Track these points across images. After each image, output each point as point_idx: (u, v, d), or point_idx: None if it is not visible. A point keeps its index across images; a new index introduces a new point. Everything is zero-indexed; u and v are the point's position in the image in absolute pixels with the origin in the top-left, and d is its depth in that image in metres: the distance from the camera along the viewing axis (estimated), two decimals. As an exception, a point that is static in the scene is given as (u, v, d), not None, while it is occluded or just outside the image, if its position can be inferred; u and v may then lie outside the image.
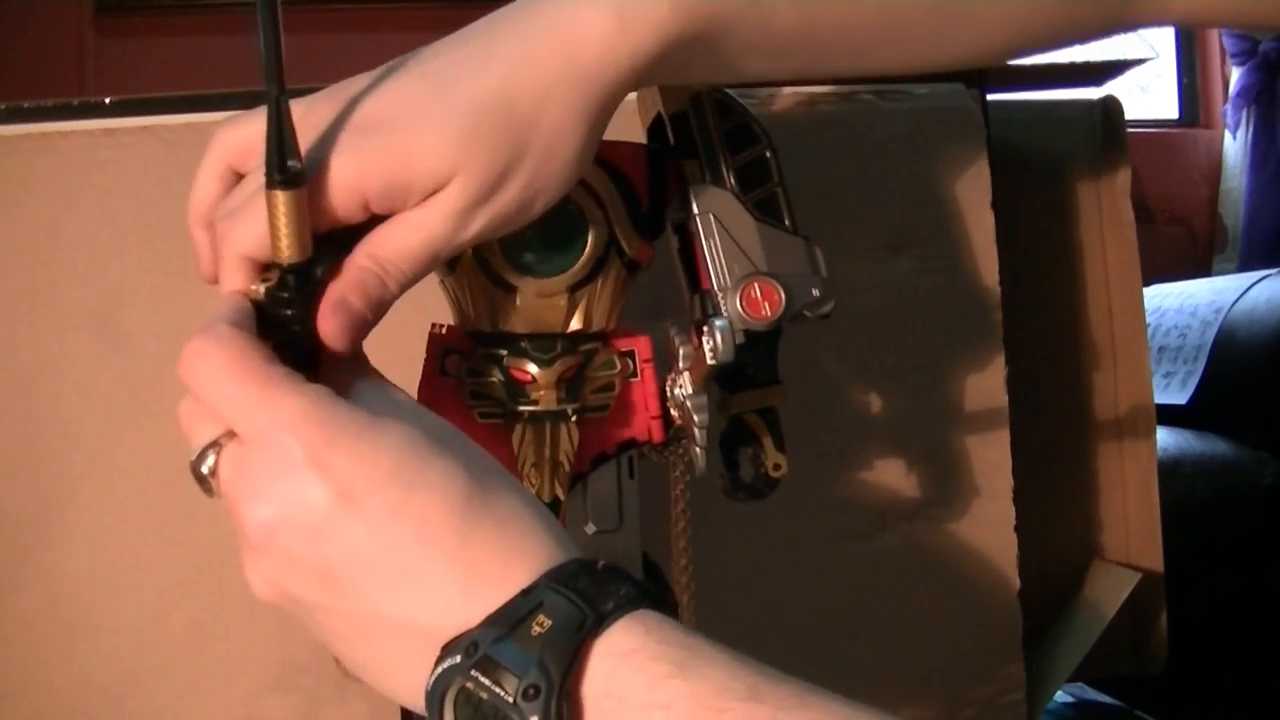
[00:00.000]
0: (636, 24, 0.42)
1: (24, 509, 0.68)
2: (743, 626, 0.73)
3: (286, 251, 0.40)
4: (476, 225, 0.43)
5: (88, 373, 0.68)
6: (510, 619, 0.37)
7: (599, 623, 0.36)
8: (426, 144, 0.41)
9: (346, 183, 0.41)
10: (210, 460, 0.40)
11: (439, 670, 0.37)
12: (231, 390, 0.39)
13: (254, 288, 0.42)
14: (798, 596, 0.74)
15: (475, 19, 0.52)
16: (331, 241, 0.45)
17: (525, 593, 0.37)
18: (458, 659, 0.36)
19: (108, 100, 0.70)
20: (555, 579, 0.38)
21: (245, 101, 0.68)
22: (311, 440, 0.38)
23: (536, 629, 0.36)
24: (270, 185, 0.39)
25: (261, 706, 0.68)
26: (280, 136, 0.39)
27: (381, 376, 0.43)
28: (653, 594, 0.39)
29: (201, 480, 0.40)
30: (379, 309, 0.43)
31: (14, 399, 0.68)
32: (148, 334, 0.68)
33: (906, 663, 0.75)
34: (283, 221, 0.40)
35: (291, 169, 0.39)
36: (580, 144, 0.43)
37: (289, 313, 0.41)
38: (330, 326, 0.42)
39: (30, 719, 0.68)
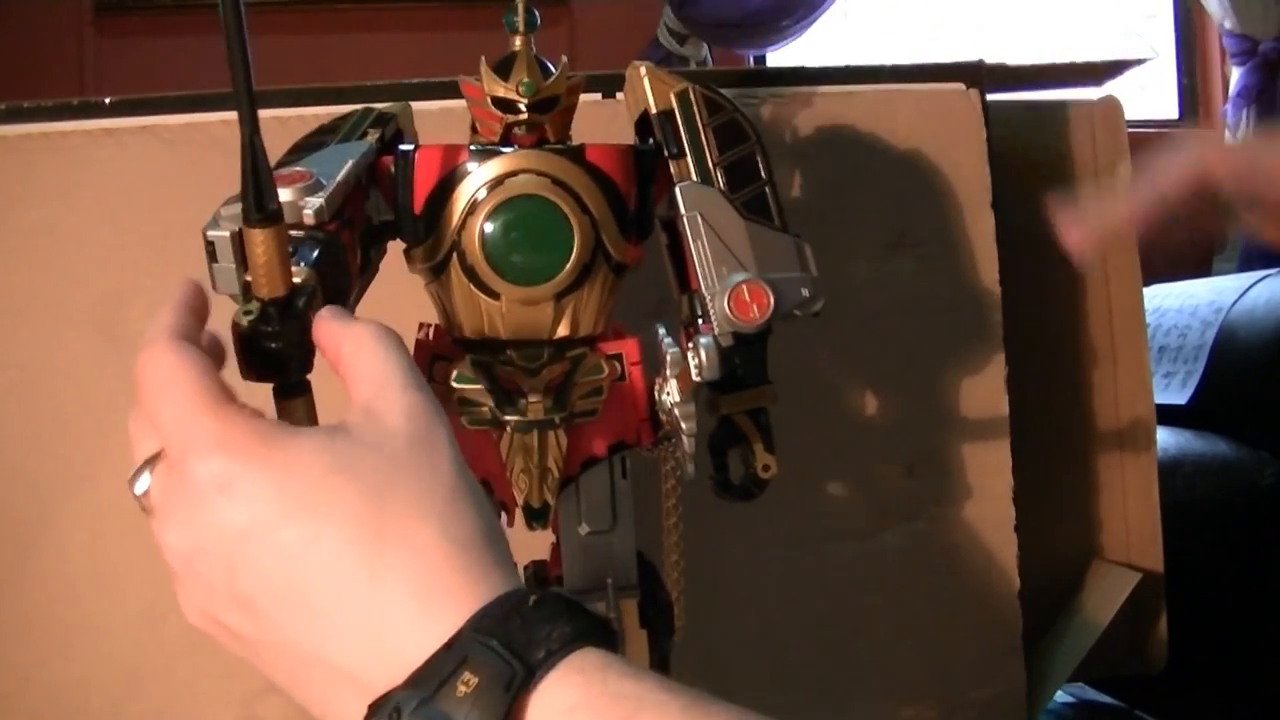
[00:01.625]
0: None
1: (24, 509, 0.68)
2: (741, 626, 0.73)
3: (267, 288, 0.41)
4: None
5: (88, 373, 0.68)
6: (434, 679, 0.35)
7: (530, 676, 0.34)
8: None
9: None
10: (144, 479, 0.40)
11: None
12: (164, 406, 0.39)
13: (236, 320, 0.42)
14: (797, 596, 0.73)
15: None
16: (340, 215, 0.45)
17: (449, 646, 0.35)
18: None
19: (108, 100, 0.70)
20: (480, 626, 0.35)
21: (245, 101, 0.68)
22: (220, 464, 0.37)
23: (463, 689, 0.34)
24: (249, 224, 0.40)
25: (260, 707, 0.68)
26: (257, 178, 0.39)
27: (374, 334, 0.41)
28: (592, 628, 0.36)
29: (138, 499, 0.40)
30: None
31: (14, 399, 0.68)
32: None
33: (906, 663, 0.75)
34: (262, 259, 0.40)
35: (269, 208, 0.40)
36: None
37: (273, 345, 0.42)
38: None
39: (30, 719, 0.68)
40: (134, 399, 0.40)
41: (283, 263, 0.41)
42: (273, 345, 0.42)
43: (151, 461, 0.40)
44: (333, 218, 0.45)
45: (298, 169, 0.46)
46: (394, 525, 0.37)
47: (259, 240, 0.40)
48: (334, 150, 0.49)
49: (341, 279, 0.46)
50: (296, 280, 0.42)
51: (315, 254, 0.44)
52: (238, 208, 0.41)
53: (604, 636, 0.37)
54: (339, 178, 0.46)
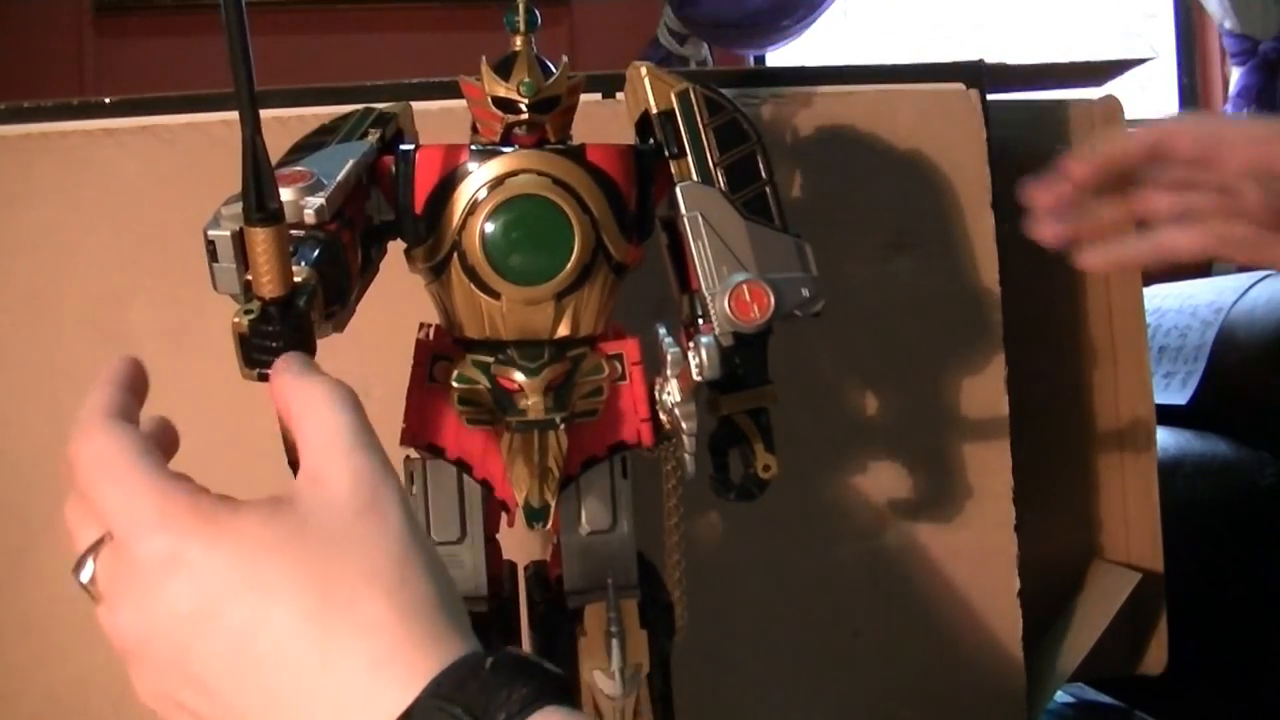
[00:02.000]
0: None
1: (24, 509, 0.68)
2: (741, 626, 0.73)
3: (268, 287, 0.41)
4: None
5: (88, 373, 0.67)
6: None
7: None
8: None
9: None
10: (88, 567, 0.39)
11: None
12: (103, 488, 0.38)
13: (237, 319, 0.42)
14: (797, 596, 0.73)
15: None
16: (341, 215, 0.45)
17: (406, 716, 0.34)
18: None
19: (108, 100, 0.70)
20: (437, 693, 0.35)
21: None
22: (166, 541, 0.37)
23: None
24: (249, 223, 0.40)
25: (261, 706, 0.68)
26: (258, 177, 0.39)
27: (326, 392, 0.40)
28: (553, 685, 0.36)
29: (84, 587, 0.40)
30: None
31: (14, 399, 0.68)
32: (148, 334, 0.68)
33: (906, 663, 0.75)
34: (262, 258, 0.40)
35: (270, 208, 0.40)
36: None
37: (273, 345, 0.42)
38: None
39: (30, 719, 0.68)
40: (70, 485, 0.39)
41: (283, 262, 0.41)
42: (273, 345, 0.42)
43: (95, 548, 0.39)
44: (333, 217, 0.45)
45: (298, 169, 0.46)
46: (342, 598, 0.36)
47: (260, 240, 0.40)
48: (334, 150, 0.49)
49: (342, 279, 0.46)
50: (297, 279, 0.42)
51: (316, 253, 0.44)
52: (238, 207, 0.41)
53: (562, 694, 0.36)
54: (339, 177, 0.46)
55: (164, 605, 0.37)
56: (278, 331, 0.42)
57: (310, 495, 0.38)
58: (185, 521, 0.37)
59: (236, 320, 0.42)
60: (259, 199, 0.39)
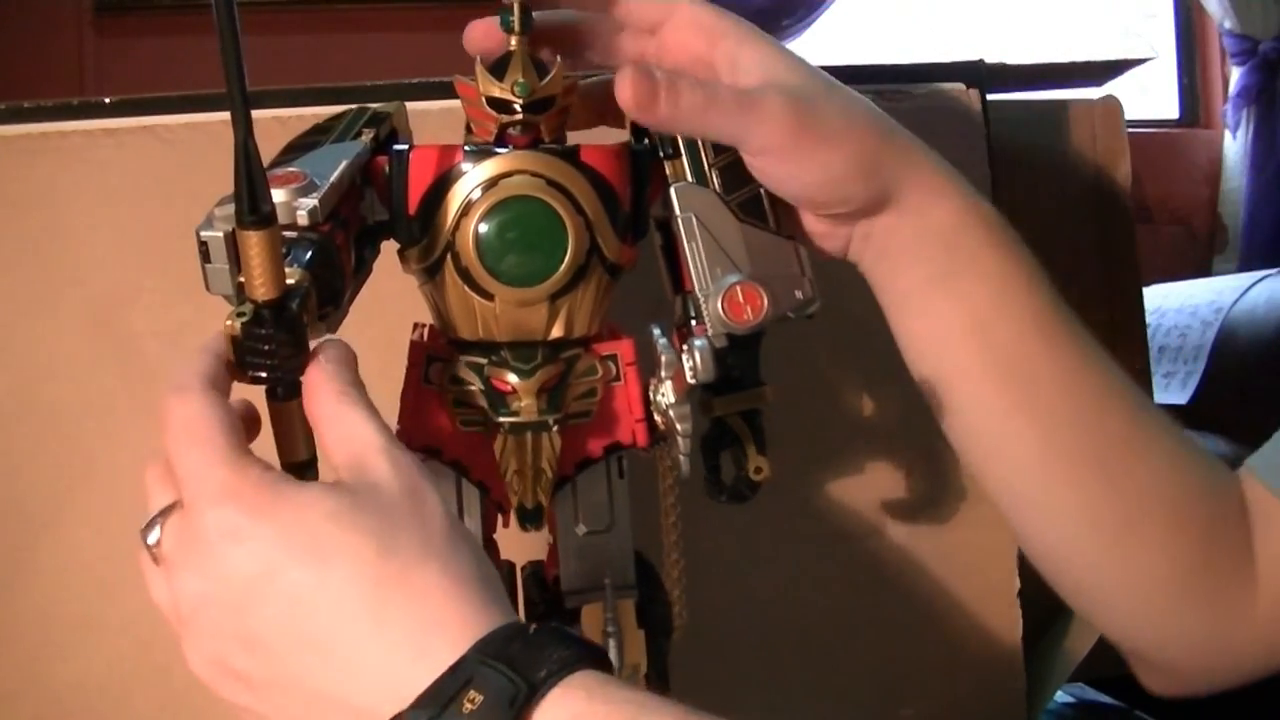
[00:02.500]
0: None
1: (24, 509, 0.68)
2: (740, 626, 0.73)
3: (261, 290, 0.41)
4: None
5: (88, 373, 0.68)
6: (440, 698, 0.36)
7: (533, 692, 0.36)
8: None
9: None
10: (156, 532, 0.41)
11: None
12: (185, 453, 0.41)
13: (229, 322, 0.42)
14: (797, 596, 0.74)
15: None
16: (334, 216, 0.45)
17: (453, 669, 0.37)
18: None
19: (108, 100, 0.70)
20: (484, 650, 0.37)
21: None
22: (230, 514, 0.39)
23: (468, 705, 0.36)
24: (242, 226, 0.40)
25: (261, 706, 0.68)
26: (250, 180, 0.39)
27: (356, 399, 0.43)
28: (591, 653, 0.38)
29: (146, 546, 0.42)
30: None
31: (14, 399, 0.68)
32: (148, 334, 0.68)
33: (906, 663, 0.75)
34: (255, 261, 0.40)
35: (262, 210, 0.40)
36: None
37: (265, 348, 0.42)
38: None
39: (30, 719, 0.68)
40: (158, 443, 0.41)
41: (275, 265, 0.41)
42: (265, 347, 0.42)
43: (165, 513, 0.42)
44: (327, 219, 0.45)
45: (291, 169, 0.46)
46: (395, 567, 0.39)
47: (252, 242, 0.40)
48: (328, 150, 0.49)
49: (335, 280, 0.46)
50: (290, 281, 0.42)
51: (308, 255, 0.44)
52: (231, 208, 0.41)
53: (602, 661, 0.39)
54: (333, 178, 0.46)
55: (225, 569, 0.39)
56: (270, 335, 0.42)
57: (360, 479, 0.41)
58: (251, 495, 0.39)
59: (229, 323, 0.42)
60: (252, 202, 0.40)
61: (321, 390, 0.43)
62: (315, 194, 0.45)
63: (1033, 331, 0.53)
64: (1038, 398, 0.53)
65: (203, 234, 0.43)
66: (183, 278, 0.65)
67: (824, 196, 0.51)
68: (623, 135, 0.55)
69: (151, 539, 0.42)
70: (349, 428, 0.42)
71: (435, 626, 0.38)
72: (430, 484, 0.42)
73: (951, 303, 0.53)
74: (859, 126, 0.51)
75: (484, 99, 0.49)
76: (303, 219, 0.44)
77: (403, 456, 0.42)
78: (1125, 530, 0.54)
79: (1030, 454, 0.54)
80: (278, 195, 0.43)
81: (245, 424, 0.45)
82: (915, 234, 0.52)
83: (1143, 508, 0.54)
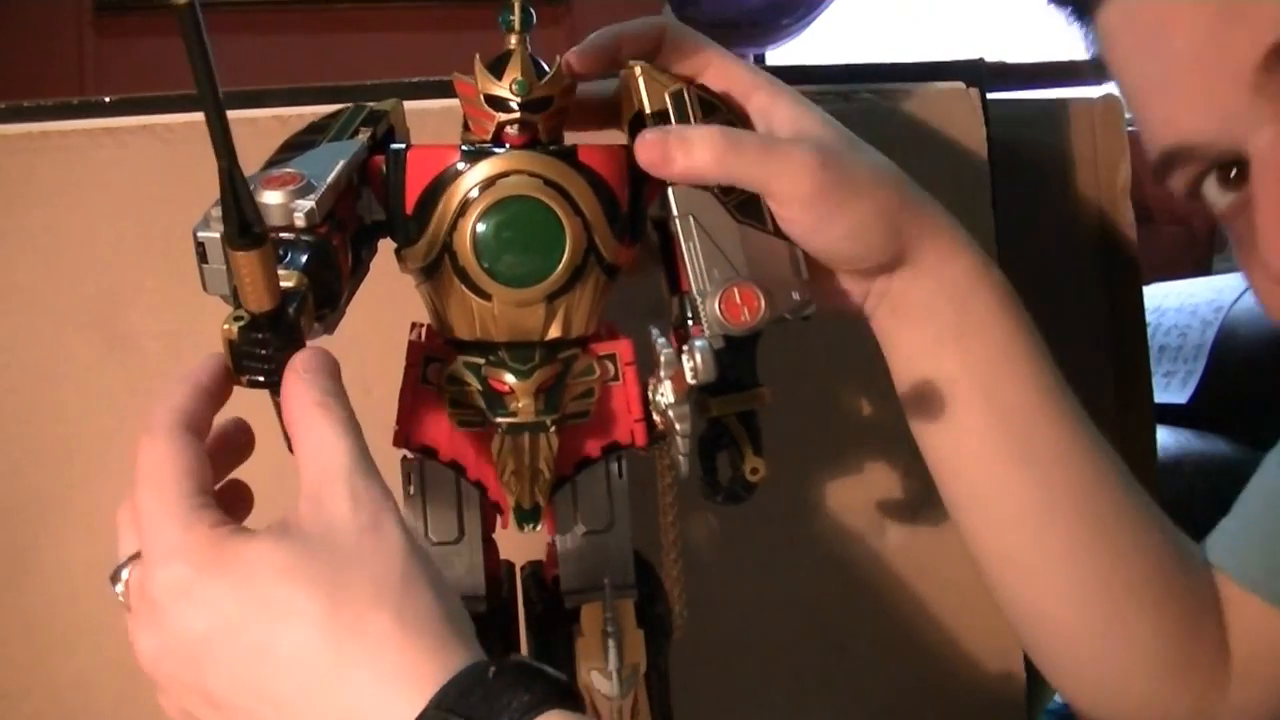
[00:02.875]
0: None
1: (24, 509, 0.68)
2: (740, 626, 0.73)
3: (254, 304, 0.41)
4: None
5: (88, 373, 0.68)
6: None
7: None
8: None
9: None
10: (125, 575, 0.42)
11: None
12: (145, 501, 0.41)
13: (226, 327, 0.42)
14: (797, 597, 0.73)
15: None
16: (331, 217, 0.45)
17: None
18: None
19: (108, 100, 0.70)
20: (442, 703, 0.36)
21: (244, 101, 0.68)
22: (182, 575, 0.39)
23: None
24: (232, 247, 0.40)
25: (261, 706, 0.68)
26: (237, 205, 0.39)
27: (332, 410, 0.42)
28: (556, 689, 0.38)
29: (119, 596, 0.42)
30: None
31: (14, 399, 0.68)
32: (148, 334, 0.68)
33: (906, 663, 0.75)
34: (247, 280, 0.41)
35: (252, 232, 0.40)
36: None
37: (263, 352, 0.42)
38: None
39: (31, 719, 0.68)
40: (129, 486, 0.42)
41: (269, 280, 0.41)
42: (262, 352, 0.42)
43: (130, 561, 0.42)
44: (324, 220, 0.45)
45: (289, 170, 0.46)
46: (349, 616, 0.38)
47: (243, 262, 0.40)
48: (325, 150, 0.49)
49: (332, 282, 0.46)
50: (288, 284, 0.42)
51: (305, 258, 0.44)
52: None
53: (566, 697, 0.38)
54: (330, 179, 0.46)
55: (178, 626, 0.39)
56: (267, 340, 0.42)
57: (313, 517, 0.40)
58: (200, 553, 0.39)
59: (226, 328, 0.42)
60: (241, 225, 0.39)
61: (298, 399, 0.42)
62: (312, 195, 0.45)
63: (1035, 395, 0.55)
64: (1037, 460, 0.55)
65: (199, 235, 0.43)
66: (183, 278, 0.65)
67: (848, 249, 0.52)
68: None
69: (119, 588, 0.42)
70: (318, 442, 0.41)
71: (392, 679, 0.37)
72: (391, 513, 0.41)
73: (959, 360, 0.54)
74: (883, 183, 0.52)
75: (482, 97, 0.49)
76: (300, 221, 0.44)
77: (364, 485, 0.41)
78: (1113, 597, 0.56)
79: (1026, 515, 0.55)
80: (274, 197, 0.44)
81: (236, 444, 0.45)
82: (929, 291, 0.54)
83: (1131, 576, 0.56)
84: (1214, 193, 0.47)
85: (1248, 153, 0.44)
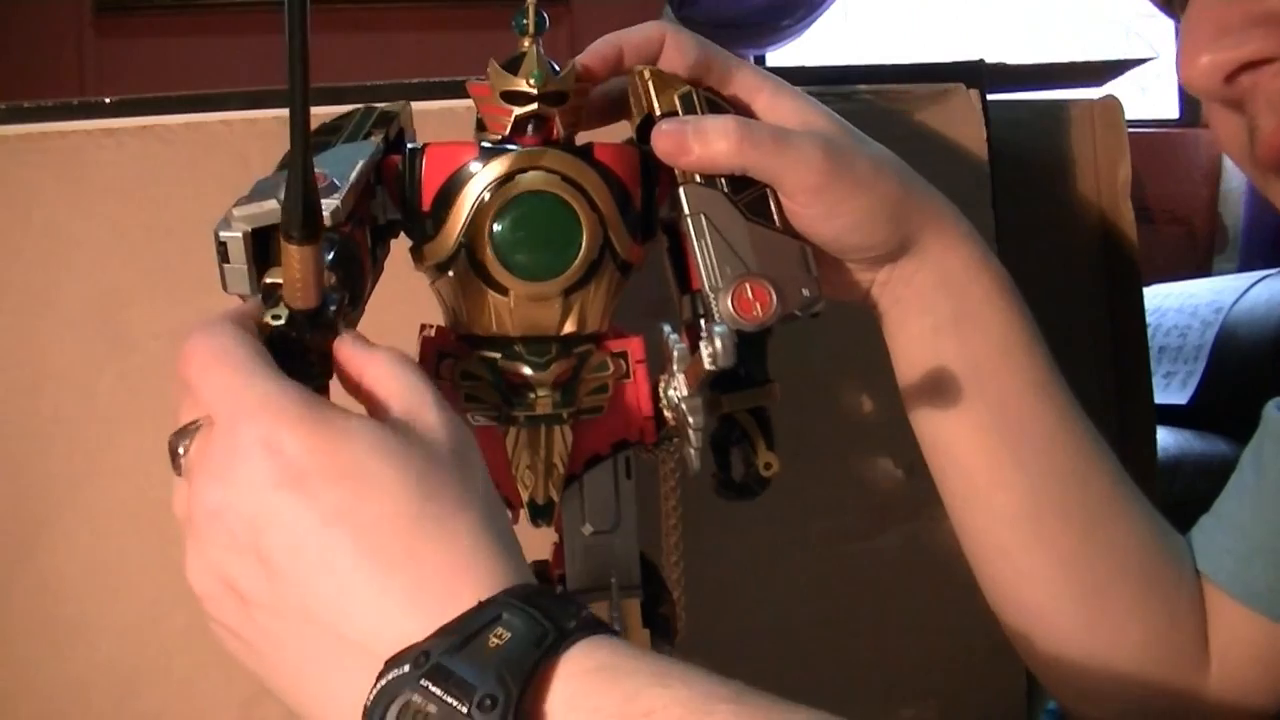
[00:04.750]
0: None
1: (24, 509, 0.68)
2: (741, 627, 0.73)
3: (301, 300, 0.41)
4: None
5: (88, 373, 0.68)
6: (465, 630, 0.35)
7: (561, 639, 0.36)
8: None
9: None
10: (186, 440, 0.41)
11: (383, 681, 0.35)
12: (210, 379, 0.40)
13: (266, 320, 0.42)
14: (797, 597, 0.74)
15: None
16: (353, 216, 0.46)
17: (482, 606, 0.36)
18: (405, 669, 0.35)
19: (108, 100, 0.70)
20: (514, 595, 0.37)
21: (245, 101, 0.68)
22: (268, 425, 0.38)
23: (494, 641, 0.35)
24: (289, 240, 0.40)
25: (260, 709, 0.68)
26: (305, 196, 0.39)
27: (411, 362, 0.44)
28: (610, 629, 0.38)
29: (173, 456, 0.41)
30: None
31: (14, 399, 0.68)
32: (148, 334, 0.68)
33: (906, 663, 0.75)
34: (299, 274, 0.41)
35: (314, 226, 0.40)
36: None
37: (300, 350, 0.42)
38: None
39: (30, 719, 0.68)
40: (179, 375, 0.41)
41: (318, 276, 0.41)
42: (300, 350, 0.42)
43: (191, 428, 0.41)
44: (347, 219, 0.46)
45: (315, 171, 0.46)
46: (434, 508, 0.38)
47: (297, 256, 0.40)
48: (342, 150, 0.49)
49: (358, 280, 0.47)
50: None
51: (333, 256, 0.45)
52: (251, 208, 0.42)
53: (616, 635, 0.39)
54: (352, 178, 0.46)
55: (255, 477, 0.38)
56: (306, 339, 0.42)
57: (409, 425, 0.40)
58: (294, 411, 0.38)
59: (264, 323, 0.42)
60: (305, 216, 0.39)
61: (378, 352, 0.43)
62: (336, 195, 0.45)
63: (1029, 387, 0.56)
64: (1029, 451, 0.55)
65: (221, 234, 0.43)
66: (183, 278, 0.65)
67: (854, 240, 0.53)
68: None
69: (181, 446, 0.41)
70: (398, 383, 0.41)
71: (467, 568, 0.37)
72: (476, 446, 0.42)
73: (957, 349, 0.55)
74: (887, 175, 0.53)
75: (498, 94, 0.49)
76: (326, 220, 0.44)
77: (452, 417, 0.41)
78: (1100, 589, 0.56)
79: (1016, 505, 0.56)
80: None
81: None
82: (930, 281, 0.55)
83: (1118, 568, 0.56)
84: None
85: None
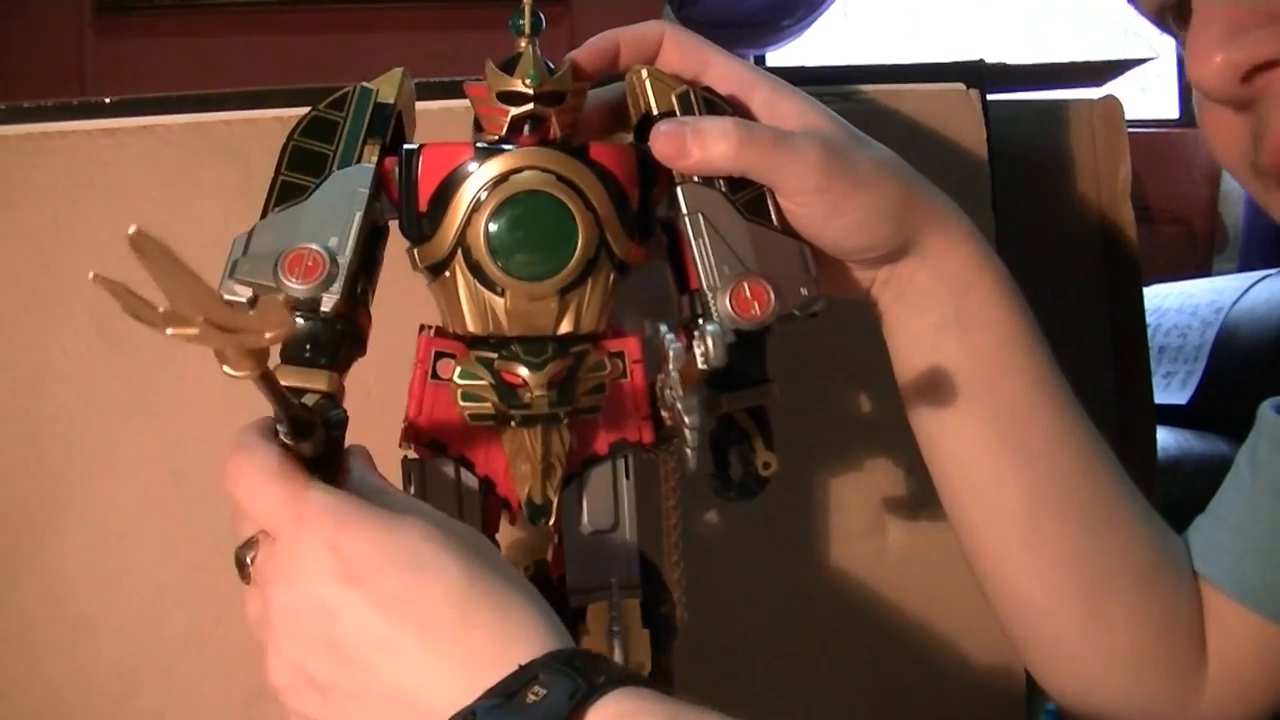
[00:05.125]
0: None
1: (24, 509, 0.68)
2: (741, 627, 0.73)
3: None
4: None
5: (88, 373, 0.68)
6: (507, 690, 0.39)
7: (591, 691, 0.39)
8: None
9: None
10: (250, 552, 0.45)
11: None
12: (264, 497, 0.44)
13: (285, 441, 0.46)
14: (797, 597, 0.73)
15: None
16: (352, 293, 0.49)
17: (522, 668, 0.40)
18: None
19: (108, 100, 0.70)
20: (552, 657, 0.40)
21: (245, 101, 0.68)
22: (328, 529, 0.42)
23: (531, 697, 0.39)
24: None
25: (261, 708, 0.68)
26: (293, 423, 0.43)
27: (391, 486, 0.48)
28: (642, 679, 0.42)
29: (240, 567, 0.45)
30: None
31: (14, 399, 0.68)
32: (148, 334, 0.67)
33: (906, 663, 0.75)
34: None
35: (308, 431, 0.44)
36: None
37: (313, 460, 0.46)
38: None
39: (30, 719, 0.68)
40: (227, 491, 0.45)
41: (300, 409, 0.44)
42: (317, 461, 0.46)
43: (251, 543, 0.45)
44: (348, 297, 0.48)
45: (313, 250, 0.47)
46: (482, 585, 0.42)
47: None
48: (338, 196, 0.49)
49: (356, 351, 0.50)
50: (323, 387, 0.47)
51: (336, 352, 0.49)
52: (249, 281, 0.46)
53: (651, 687, 0.42)
54: (349, 252, 0.48)
55: (320, 574, 0.42)
56: (319, 455, 0.45)
57: (446, 521, 0.45)
58: (347, 513, 0.43)
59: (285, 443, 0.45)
60: (293, 434, 0.44)
61: (372, 482, 0.47)
62: (335, 284, 0.47)
63: (1031, 385, 0.56)
64: (1029, 450, 0.55)
65: (227, 297, 0.45)
66: (183, 278, 0.65)
67: (855, 240, 0.53)
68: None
69: (248, 557, 0.45)
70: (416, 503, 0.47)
71: (515, 636, 0.41)
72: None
73: (958, 347, 0.55)
74: (887, 174, 0.53)
75: (494, 94, 0.49)
76: (327, 310, 0.48)
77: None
78: (1099, 588, 0.56)
79: (1016, 504, 0.56)
80: (300, 288, 0.47)
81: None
82: (931, 279, 0.55)
83: (1117, 568, 0.57)
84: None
85: None
